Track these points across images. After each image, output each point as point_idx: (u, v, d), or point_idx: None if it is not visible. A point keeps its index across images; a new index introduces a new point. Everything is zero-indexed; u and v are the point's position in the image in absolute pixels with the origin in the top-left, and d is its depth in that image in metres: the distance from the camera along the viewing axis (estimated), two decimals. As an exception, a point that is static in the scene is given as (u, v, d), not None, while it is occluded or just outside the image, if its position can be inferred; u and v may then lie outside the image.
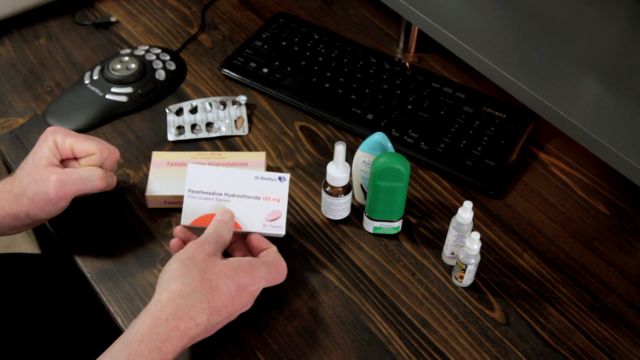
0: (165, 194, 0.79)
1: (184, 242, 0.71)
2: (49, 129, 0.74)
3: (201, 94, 0.95)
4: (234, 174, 0.73)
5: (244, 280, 0.65)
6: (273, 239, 0.74)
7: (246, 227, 0.72)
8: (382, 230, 0.79)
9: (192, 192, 0.72)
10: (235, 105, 0.92)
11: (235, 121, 0.90)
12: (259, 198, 0.72)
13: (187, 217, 0.72)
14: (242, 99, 0.92)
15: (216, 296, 0.63)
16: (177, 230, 0.72)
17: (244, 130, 0.90)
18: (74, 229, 0.80)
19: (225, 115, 0.91)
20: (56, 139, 0.72)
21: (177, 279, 0.62)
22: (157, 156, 0.83)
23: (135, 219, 0.81)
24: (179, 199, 0.79)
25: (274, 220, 0.72)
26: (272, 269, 0.68)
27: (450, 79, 0.95)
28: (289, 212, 0.82)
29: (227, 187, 0.72)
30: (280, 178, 0.73)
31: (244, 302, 0.66)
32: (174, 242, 0.71)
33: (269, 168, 0.86)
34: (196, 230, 0.72)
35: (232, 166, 0.82)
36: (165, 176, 0.81)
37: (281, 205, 0.72)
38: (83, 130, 0.89)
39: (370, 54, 0.97)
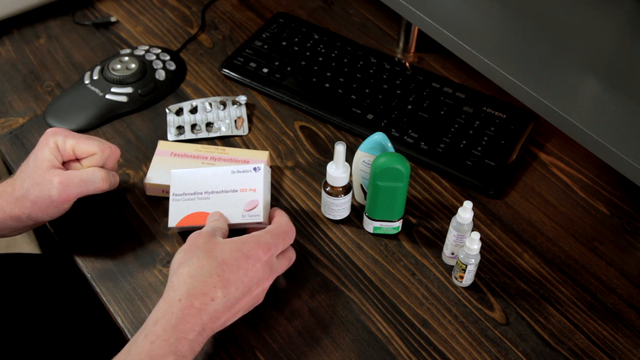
0: (162, 183, 0.80)
1: None
2: (49, 130, 0.74)
3: (201, 94, 0.95)
4: (213, 173, 0.75)
5: (251, 250, 0.65)
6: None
7: (227, 220, 0.73)
8: (382, 230, 0.79)
9: (176, 195, 0.75)
10: (235, 106, 0.92)
11: (235, 121, 0.90)
12: (236, 191, 0.74)
13: (173, 219, 0.74)
14: (242, 99, 0.92)
15: (225, 269, 0.63)
16: None
17: (243, 130, 0.90)
18: (74, 229, 0.80)
19: (225, 115, 0.91)
20: (57, 140, 0.72)
21: (184, 264, 0.63)
22: (163, 145, 0.84)
23: (135, 219, 0.81)
24: None
25: (251, 209, 0.73)
26: (277, 232, 0.68)
27: (450, 79, 0.95)
28: (289, 211, 0.82)
29: (207, 185, 0.75)
30: (255, 168, 0.74)
31: (260, 275, 0.65)
32: None
33: (269, 168, 0.86)
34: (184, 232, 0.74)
35: (233, 162, 0.83)
36: (167, 166, 0.81)
37: (257, 194, 0.73)
38: (83, 130, 0.89)
39: (370, 54, 0.97)
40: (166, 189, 0.81)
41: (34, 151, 0.73)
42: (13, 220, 0.72)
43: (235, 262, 0.64)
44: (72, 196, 0.71)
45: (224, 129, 0.89)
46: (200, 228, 0.71)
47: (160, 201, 0.82)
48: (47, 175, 0.70)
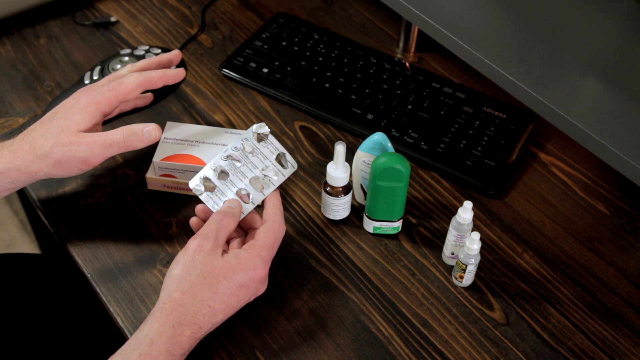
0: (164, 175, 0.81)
1: (204, 221, 0.71)
2: (86, 94, 0.74)
3: (201, 94, 0.95)
4: (207, 129, 0.82)
5: (244, 279, 0.65)
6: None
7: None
8: (382, 230, 0.79)
9: (167, 139, 0.81)
10: (262, 142, 0.73)
11: (279, 160, 0.74)
12: (226, 145, 0.78)
13: (159, 155, 0.79)
14: (264, 129, 0.74)
15: (217, 299, 0.64)
16: (198, 208, 0.72)
17: (292, 164, 0.74)
18: (74, 229, 0.80)
19: (261, 160, 0.73)
20: (99, 107, 0.73)
21: (178, 287, 0.64)
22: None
23: (135, 219, 0.81)
24: (178, 185, 0.81)
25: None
26: (272, 244, 0.68)
27: (450, 79, 0.95)
28: (288, 211, 0.82)
29: (198, 137, 0.81)
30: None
31: (252, 293, 0.67)
32: (193, 220, 0.72)
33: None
34: (171, 168, 0.79)
35: None
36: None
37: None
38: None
39: (370, 54, 0.97)
40: (167, 183, 0.81)
41: (64, 109, 0.73)
42: (28, 176, 0.72)
43: (228, 292, 0.64)
44: (99, 159, 0.72)
45: (275, 179, 0.73)
46: (185, 168, 0.78)
47: (160, 201, 0.82)
48: (74, 138, 0.71)
